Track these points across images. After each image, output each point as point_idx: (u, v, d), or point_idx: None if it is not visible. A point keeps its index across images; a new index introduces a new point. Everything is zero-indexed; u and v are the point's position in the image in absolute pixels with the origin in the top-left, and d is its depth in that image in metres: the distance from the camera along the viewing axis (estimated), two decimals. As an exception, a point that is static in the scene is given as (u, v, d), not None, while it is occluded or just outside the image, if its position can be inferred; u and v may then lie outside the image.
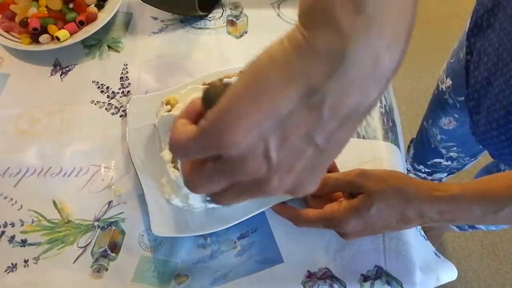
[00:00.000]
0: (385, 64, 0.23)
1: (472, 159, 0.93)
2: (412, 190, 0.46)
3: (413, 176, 1.11)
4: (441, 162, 0.97)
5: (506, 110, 0.55)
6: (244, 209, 0.51)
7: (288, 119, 0.23)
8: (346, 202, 0.48)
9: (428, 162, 1.00)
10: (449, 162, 0.95)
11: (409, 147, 1.10)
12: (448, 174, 1.04)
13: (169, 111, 0.53)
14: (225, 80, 0.50)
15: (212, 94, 0.26)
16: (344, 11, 0.22)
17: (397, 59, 0.23)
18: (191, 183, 0.28)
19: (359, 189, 0.47)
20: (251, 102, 0.23)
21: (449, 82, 0.78)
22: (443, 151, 0.91)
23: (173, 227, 0.52)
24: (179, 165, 0.48)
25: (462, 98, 0.74)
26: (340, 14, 0.22)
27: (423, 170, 1.05)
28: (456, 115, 0.80)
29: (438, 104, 0.84)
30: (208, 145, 0.25)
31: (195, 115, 0.28)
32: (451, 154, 0.91)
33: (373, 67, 0.23)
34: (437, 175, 1.05)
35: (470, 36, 0.66)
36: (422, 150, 1.01)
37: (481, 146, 0.86)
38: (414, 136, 1.07)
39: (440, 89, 0.82)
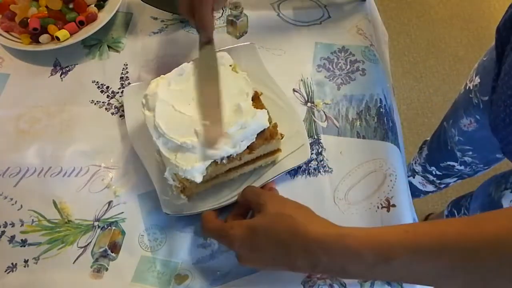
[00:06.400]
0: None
1: (485, 167, 0.92)
2: (303, 221, 0.43)
3: (421, 178, 1.09)
4: (454, 166, 0.95)
5: None
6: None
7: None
8: (245, 219, 0.47)
9: (442, 164, 0.99)
10: (462, 167, 0.94)
11: (421, 148, 1.08)
12: (457, 179, 1.02)
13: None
14: None
15: None
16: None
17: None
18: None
19: (261, 208, 0.46)
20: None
21: (477, 80, 0.76)
22: (458, 154, 0.90)
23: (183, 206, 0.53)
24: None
25: (486, 98, 0.73)
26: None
27: (434, 173, 1.04)
28: (478, 116, 0.79)
29: (462, 104, 0.83)
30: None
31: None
32: (466, 158, 0.89)
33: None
34: (447, 180, 1.04)
35: (502, 30, 0.63)
36: (437, 151, 0.99)
37: (496, 156, 0.85)
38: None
39: (467, 87, 0.81)
